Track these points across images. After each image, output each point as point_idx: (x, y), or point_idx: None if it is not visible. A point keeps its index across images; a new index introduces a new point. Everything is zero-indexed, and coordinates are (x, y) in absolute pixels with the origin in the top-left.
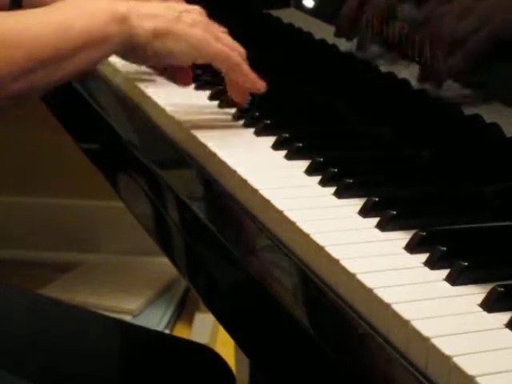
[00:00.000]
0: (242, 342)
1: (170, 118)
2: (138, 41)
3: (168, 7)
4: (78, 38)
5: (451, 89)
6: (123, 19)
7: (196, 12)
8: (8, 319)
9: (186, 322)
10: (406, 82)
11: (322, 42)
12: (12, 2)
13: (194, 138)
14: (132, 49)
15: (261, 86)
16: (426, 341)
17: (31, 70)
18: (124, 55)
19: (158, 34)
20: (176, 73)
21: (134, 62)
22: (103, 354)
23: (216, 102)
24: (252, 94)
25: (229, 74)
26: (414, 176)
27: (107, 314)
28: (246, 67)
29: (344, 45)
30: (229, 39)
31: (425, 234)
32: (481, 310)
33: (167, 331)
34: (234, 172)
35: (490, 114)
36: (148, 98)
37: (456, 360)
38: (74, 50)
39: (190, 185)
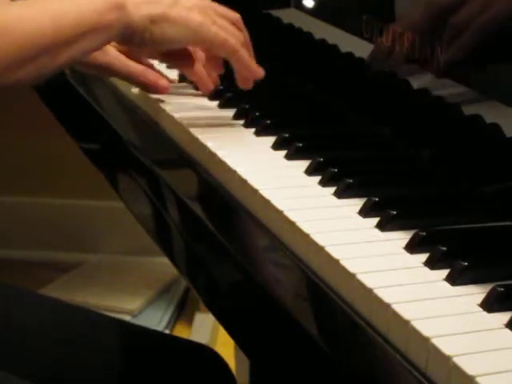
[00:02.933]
0: (242, 342)
1: (170, 118)
2: (136, 27)
3: None
4: (75, 26)
5: (451, 89)
6: (120, 6)
7: None
8: (8, 319)
9: (186, 322)
10: (406, 82)
11: (322, 42)
12: None
13: (194, 138)
14: (129, 35)
15: (260, 73)
16: (425, 341)
17: (31, 58)
18: (122, 42)
19: (155, 20)
20: (178, 58)
21: (132, 48)
22: (103, 353)
23: (216, 102)
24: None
25: (229, 59)
26: (413, 176)
27: (107, 313)
28: (243, 54)
29: (349, 46)
30: (225, 23)
31: (425, 234)
32: (481, 310)
33: (167, 331)
34: (234, 172)
35: (490, 114)
36: (148, 98)
37: (456, 360)
38: (71, 39)
39: (190, 185)
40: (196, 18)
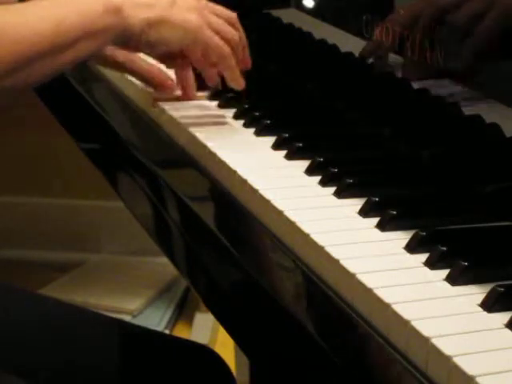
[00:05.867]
0: (242, 342)
1: (170, 118)
2: (133, 31)
3: None
4: (72, 31)
5: (451, 89)
6: (117, 10)
7: None
8: (8, 319)
9: (186, 322)
10: (406, 82)
11: (322, 42)
12: None
13: (194, 138)
14: (126, 39)
15: (241, 85)
16: (426, 341)
17: (28, 63)
18: (118, 45)
19: (152, 23)
20: (174, 58)
21: (128, 50)
22: (103, 354)
23: (216, 102)
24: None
25: (217, 63)
26: (414, 176)
27: (107, 314)
28: (231, 62)
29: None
30: (222, 24)
31: (425, 234)
32: (481, 310)
33: (167, 331)
34: (234, 172)
35: (490, 113)
36: (148, 97)
37: (456, 360)
38: (69, 43)
39: (190, 185)
40: (193, 20)
